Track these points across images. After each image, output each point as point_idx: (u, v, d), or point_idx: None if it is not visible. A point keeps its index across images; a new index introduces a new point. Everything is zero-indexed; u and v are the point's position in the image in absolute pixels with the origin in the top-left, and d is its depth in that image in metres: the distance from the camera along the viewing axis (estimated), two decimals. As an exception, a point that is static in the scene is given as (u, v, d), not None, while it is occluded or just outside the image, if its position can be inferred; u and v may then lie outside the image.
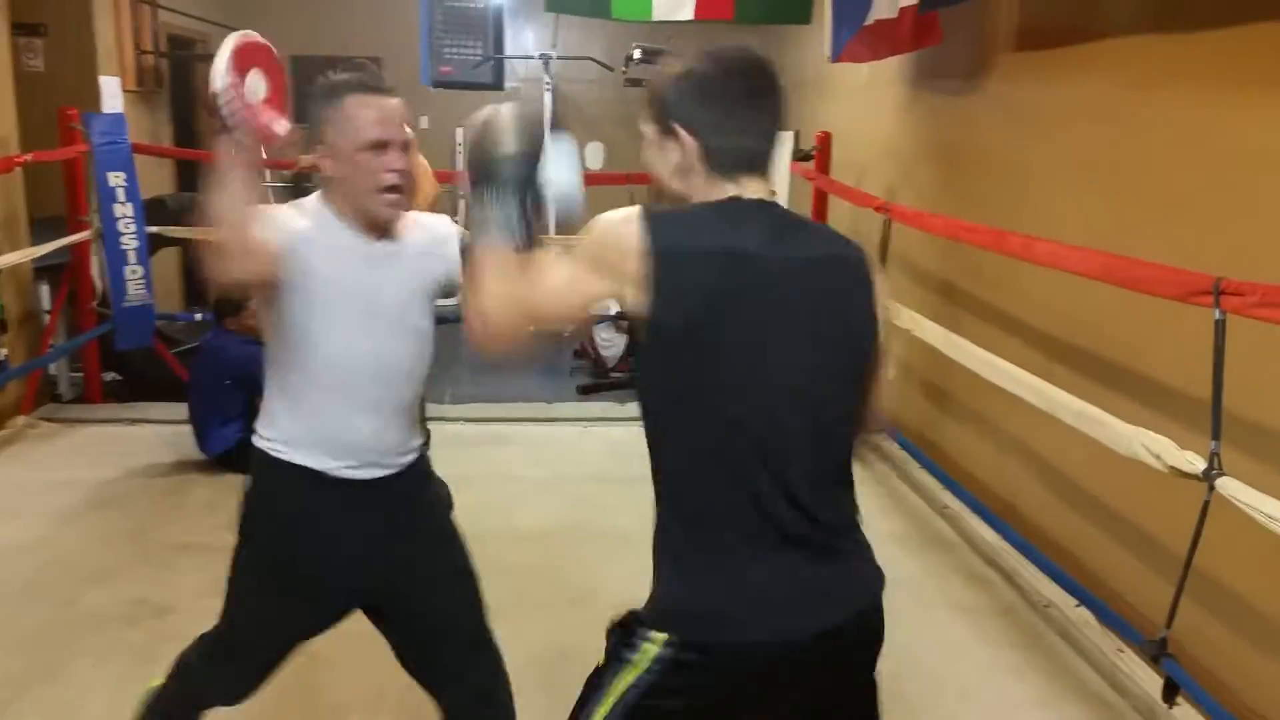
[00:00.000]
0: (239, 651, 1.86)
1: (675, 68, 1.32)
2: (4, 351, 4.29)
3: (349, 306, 1.69)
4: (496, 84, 8.24)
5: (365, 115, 1.67)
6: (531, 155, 1.38)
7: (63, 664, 2.59)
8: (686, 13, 4.72)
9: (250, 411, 3.91)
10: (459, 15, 8.03)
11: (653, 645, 1.28)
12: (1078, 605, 2.87)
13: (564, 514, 3.70)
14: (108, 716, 2.41)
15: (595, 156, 8.89)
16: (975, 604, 3.07)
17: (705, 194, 1.29)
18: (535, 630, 2.82)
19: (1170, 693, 2.24)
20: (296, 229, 1.69)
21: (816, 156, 4.75)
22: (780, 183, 4.52)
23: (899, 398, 4.36)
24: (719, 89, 1.28)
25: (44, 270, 4.69)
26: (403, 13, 8.06)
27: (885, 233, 3.89)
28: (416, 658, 1.89)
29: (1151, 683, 2.47)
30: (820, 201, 4.82)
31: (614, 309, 4.90)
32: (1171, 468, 2.17)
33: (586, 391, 5.50)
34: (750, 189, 1.29)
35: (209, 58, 6.21)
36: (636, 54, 5.63)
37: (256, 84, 1.80)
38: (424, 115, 8.60)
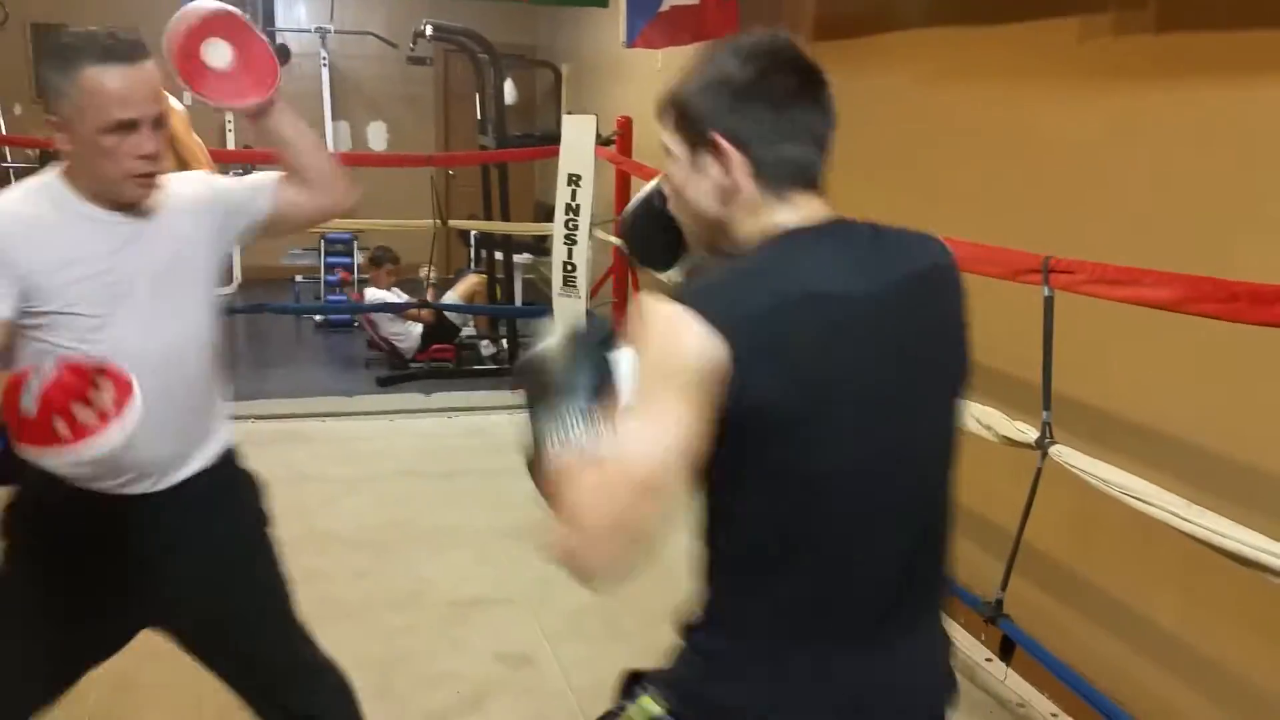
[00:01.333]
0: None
1: (699, 66, 1.10)
2: None
3: (99, 293, 1.48)
4: (269, 59, 7.79)
5: (108, 90, 1.41)
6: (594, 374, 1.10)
7: None
8: (481, -9, 4.65)
9: None
10: (224, -16, 7.50)
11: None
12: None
13: (377, 513, 3.59)
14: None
15: (378, 137, 8.62)
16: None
17: (753, 221, 1.06)
18: (352, 639, 2.73)
19: (1007, 651, 2.38)
20: (21, 220, 1.48)
21: (618, 141, 4.83)
22: (585, 166, 4.58)
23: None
24: (764, 87, 1.04)
25: None
26: (160, -19, 7.44)
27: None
28: (234, 687, 1.77)
29: (967, 641, 2.68)
30: (624, 184, 4.92)
31: (397, 299, 4.76)
32: (1004, 437, 2.26)
33: (386, 383, 5.34)
34: (809, 209, 1.06)
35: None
36: (428, 30, 5.48)
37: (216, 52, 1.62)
38: (188, 93, 7.99)
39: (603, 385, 1.08)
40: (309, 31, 7.93)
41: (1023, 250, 2.23)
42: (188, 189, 1.65)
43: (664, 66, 4.95)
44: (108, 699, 2.42)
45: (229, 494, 1.74)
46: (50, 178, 1.54)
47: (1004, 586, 2.37)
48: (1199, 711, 2.19)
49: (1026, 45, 2.61)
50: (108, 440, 1.25)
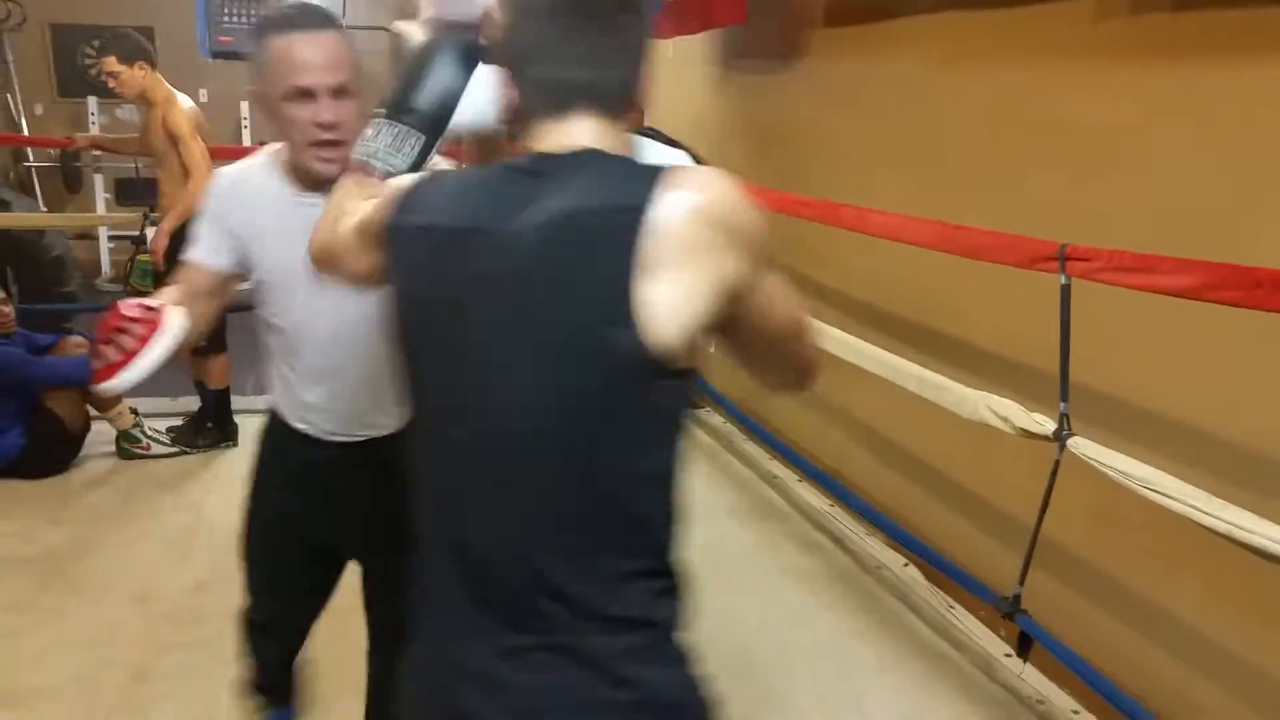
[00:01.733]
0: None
1: None
2: None
3: (289, 271, 1.53)
4: (283, 54, 7.80)
5: (288, 58, 1.47)
6: (447, 96, 1.20)
7: None
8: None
9: (30, 411, 3.57)
10: (240, -20, 7.52)
11: None
12: (906, 565, 3.04)
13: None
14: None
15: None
16: (810, 569, 3.20)
17: (527, 145, 1.01)
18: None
19: (1025, 647, 2.35)
20: (237, 184, 1.63)
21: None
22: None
23: (721, 371, 4.53)
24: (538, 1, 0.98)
25: None
26: (179, -23, 7.47)
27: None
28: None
29: (985, 636, 2.65)
30: (635, 177, 4.90)
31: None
32: (1021, 429, 2.21)
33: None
34: (553, 138, 0.98)
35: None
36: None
37: None
38: (203, 88, 8.02)
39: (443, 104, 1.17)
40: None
41: (1038, 238, 2.20)
42: None
43: (675, 57, 4.92)
44: (126, 689, 2.44)
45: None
46: (270, 152, 1.63)
47: (1022, 581, 2.34)
48: (1221, 706, 2.15)
49: (1041, 27, 2.56)
50: (122, 378, 1.33)
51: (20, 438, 3.59)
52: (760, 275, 0.94)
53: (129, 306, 1.34)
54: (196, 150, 3.73)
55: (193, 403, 4.09)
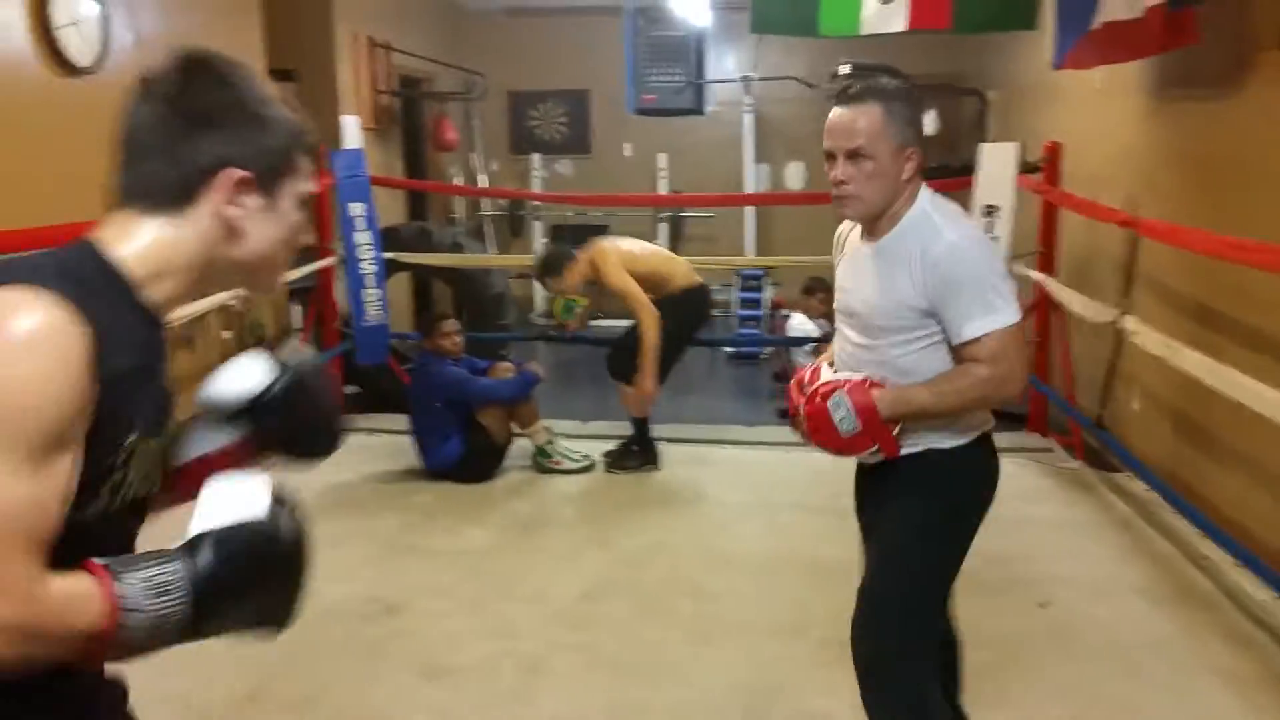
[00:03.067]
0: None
1: None
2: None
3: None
4: (697, 108, 8.35)
5: (828, 125, 1.85)
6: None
7: (308, 654, 2.78)
8: (899, 24, 4.57)
9: (468, 425, 4.14)
10: (662, 44, 8.20)
11: None
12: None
13: (766, 541, 3.64)
14: (346, 706, 2.58)
15: (796, 177, 8.85)
16: (1242, 671, 2.72)
17: None
18: (738, 658, 2.79)
19: None
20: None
21: (1045, 168, 4.50)
22: (1004, 196, 4.32)
23: (1146, 432, 4.04)
24: None
25: (295, 292, 5.14)
26: (609, 45, 8.31)
27: (1130, 250, 3.59)
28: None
29: None
30: (1049, 216, 4.56)
31: (819, 331, 4.81)
32: None
33: (787, 416, 5.41)
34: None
35: (436, 95, 6.61)
36: (844, 69, 5.54)
37: None
38: (627, 143, 8.83)
39: None
40: (734, 80, 8.39)
41: None
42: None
43: (1103, 86, 4.53)
44: (521, 678, 2.69)
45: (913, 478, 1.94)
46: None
47: None
48: None
49: None
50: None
51: (460, 446, 4.15)
52: None
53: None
54: (623, 285, 4.13)
55: (604, 427, 4.49)
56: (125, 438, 0.95)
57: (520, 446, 4.35)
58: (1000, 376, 1.76)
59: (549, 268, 4.35)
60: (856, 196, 1.80)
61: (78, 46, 3.53)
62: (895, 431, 1.83)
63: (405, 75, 7.18)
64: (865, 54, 6.14)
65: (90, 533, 0.92)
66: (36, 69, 3.40)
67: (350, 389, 5.46)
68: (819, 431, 1.88)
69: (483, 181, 8.70)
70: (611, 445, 4.40)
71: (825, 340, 5.75)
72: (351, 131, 6.04)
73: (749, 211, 8.28)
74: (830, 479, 4.23)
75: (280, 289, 4.80)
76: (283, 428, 1.14)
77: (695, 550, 3.51)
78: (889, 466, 1.91)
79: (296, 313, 5.27)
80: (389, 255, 5.08)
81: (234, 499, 0.99)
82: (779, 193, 8.61)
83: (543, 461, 4.30)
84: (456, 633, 2.91)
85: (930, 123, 6.46)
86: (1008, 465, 4.69)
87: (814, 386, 1.90)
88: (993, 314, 1.74)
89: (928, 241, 1.78)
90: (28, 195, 3.28)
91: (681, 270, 4.41)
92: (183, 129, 0.99)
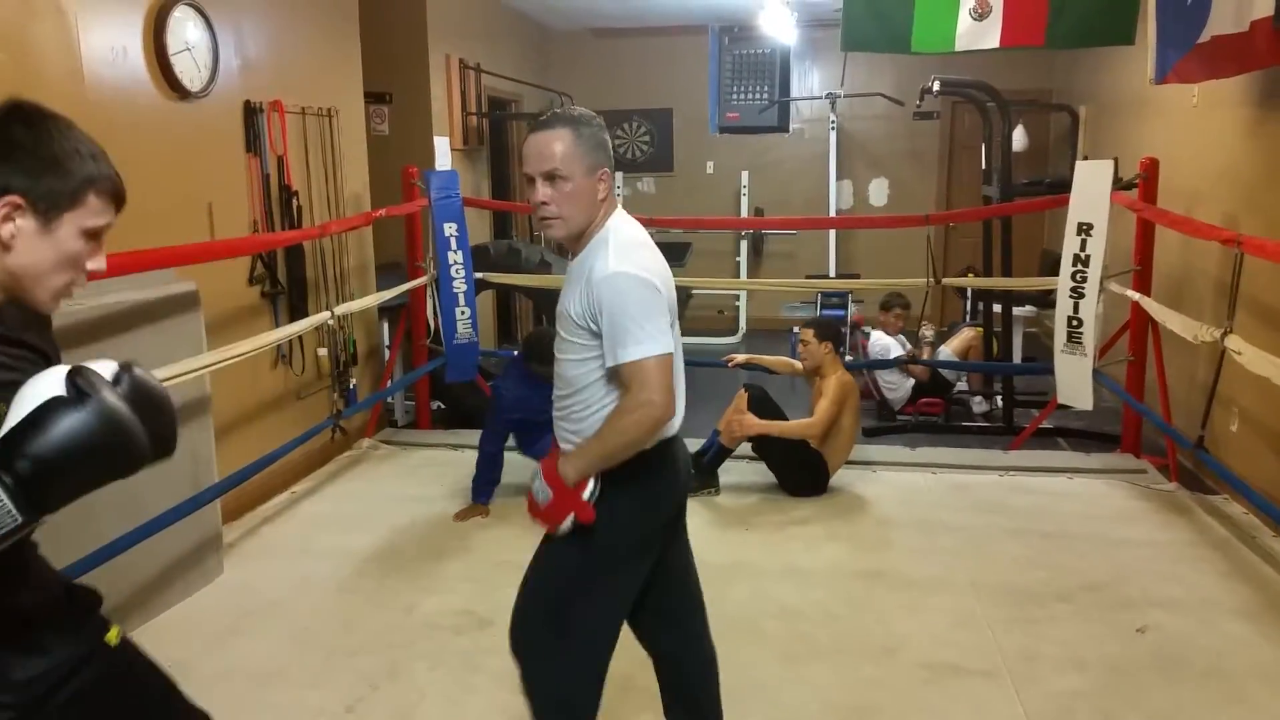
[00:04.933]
0: None
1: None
2: (354, 382, 4.88)
3: None
4: (781, 126, 8.35)
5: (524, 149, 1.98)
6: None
7: (404, 665, 2.87)
8: (992, 40, 4.52)
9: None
10: (747, 62, 8.23)
11: None
12: None
13: (853, 559, 3.61)
14: (441, 717, 2.64)
15: (879, 193, 8.79)
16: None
17: None
18: (830, 679, 2.78)
19: None
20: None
21: (1141, 185, 4.39)
22: (1099, 214, 4.23)
23: (1246, 453, 3.91)
24: None
25: (384, 310, 5.29)
26: (693, 64, 8.37)
27: (1234, 268, 3.48)
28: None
29: None
30: (1146, 233, 4.45)
31: (901, 349, 4.79)
32: None
33: (872, 434, 5.38)
34: None
35: (523, 116, 6.75)
36: (935, 86, 5.49)
37: None
38: (710, 160, 8.88)
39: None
40: (819, 98, 8.37)
41: None
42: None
43: (1200, 101, 4.42)
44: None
45: None
46: None
47: None
48: None
49: None
50: None
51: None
52: None
53: None
54: (830, 412, 4.16)
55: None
56: None
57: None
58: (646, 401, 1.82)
59: None
60: (559, 217, 1.89)
61: (189, 71, 3.71)
62: (586, 494, 1.87)
63: (494, 96, 7.35)
64: (954, 69, 6.08)
65: None
66: (152, 93, 3.57)
67: (436, 405, 5.59)
68: (530, 505, 1.97)
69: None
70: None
71: (910, 361, 5.71)
72: (443, 151, 6.21)
73: (831, 230, 8.26)
74: (921, 497, 4.23)
75: (371, 307, 4.95)
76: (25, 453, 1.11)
77: (778, 569, 3.51)
78: None
79: (384, 330, 5.42)
80: (478, 274, 5.20)
81: (27, 397, 1.11)
82: (860, 216, 8.58)
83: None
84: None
85: (1019, 139, 6.35)
86: (1101, 487, 4.62)
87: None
88: (639, 344, 1.80)
89: (597, 265, 1.86)
90: (142, 215, 3.44)
91: None
92: None
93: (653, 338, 1.81)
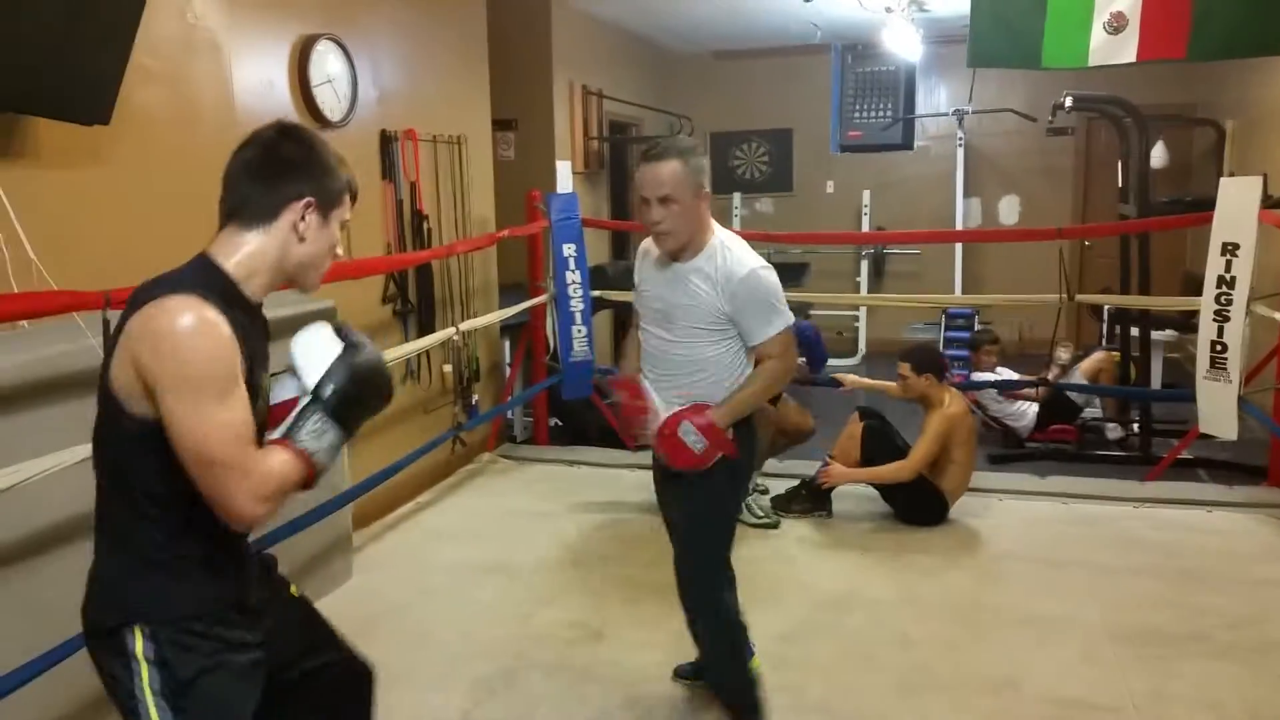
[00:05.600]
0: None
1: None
2: (476, 397, 5.03)
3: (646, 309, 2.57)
4: (906, 144, 8.23)
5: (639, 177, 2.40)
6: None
7: (520, 674, 2.94)
8: (1129, 55, 4.34)
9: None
10: (870, 80, 8.15)
11: None
12: None
13: (974, 591, 3.51)
14: (554, 727, 2.70)
15: (1010, 211, 8.52)
16: None
17: None
18: (948, 711, 2.71)
19: None
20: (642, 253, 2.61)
21: (1291, 203, 4.15)
22: (1245, 233, 4.01)
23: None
24: None
25: (506, 328, 5.45)
26: (814, 84, 8.33)
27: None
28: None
29: None
30: (1295, 255, 4.20)
31: (1010, 375, 4.56)
32: None
33: (999, 461, 5.21)
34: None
35: (642, 139, 6.82)
36: (1068, 102, 5.32)
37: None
38: (830, 180, 8.80)
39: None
40: (946, 115, 8.20)
41: None
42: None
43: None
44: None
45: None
46: None
47: None
48: None
49: None
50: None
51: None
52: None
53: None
54: (927, 451, 4.04)
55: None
56: (257, 378, 1.46)
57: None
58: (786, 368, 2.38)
59: None
60: (670, 233, 2.31)
61: (330, 102, 3.93)
62: (730, 436, 2.36)
63: (614, 120, 7.49)
64: (1088, 84, 5.87)
65: (259, 430, 1.46)
66: (297, 123, 3.81)
67: (553, 421, 5.71)
68: (680, 457, 2.35)
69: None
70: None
71: (1018, 385, 5.50)
72: (564, 175, 6.37)
73: (958, 247, 8.04)
74: (1049, 528, 4.07)
75: (493, 326, 5.11)
76: (339, 388, 1.49)
77: (897, 597, 3.44)
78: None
79: (505, 348, 5.58)
80: (595, 294, 5.30)
81: (319, 348, 1.49)
82: (989, 229, 8.30)
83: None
84: (657, 664, 2.98)
85: (1158, 155, 6.08)
86: (1245, 522, 4.37)
87: (658, 425, 2.36)
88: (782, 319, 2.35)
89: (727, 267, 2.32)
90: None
91: None
92: (280, 169, 1.49)
93: (786, 314, 2.35)
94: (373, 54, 4.25)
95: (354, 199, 1.57)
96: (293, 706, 1.70)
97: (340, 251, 1.59)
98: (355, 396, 1.47)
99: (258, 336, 1.49)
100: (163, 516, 1.43)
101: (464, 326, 4.57)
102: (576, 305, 5.12)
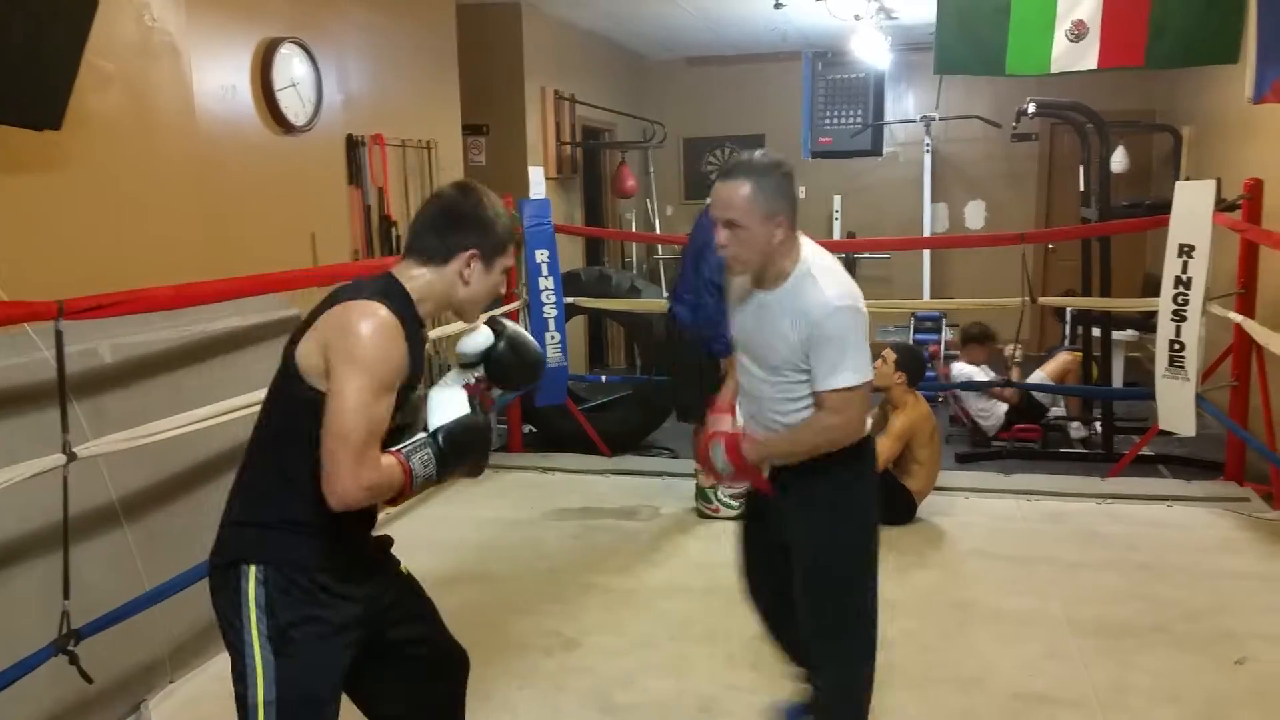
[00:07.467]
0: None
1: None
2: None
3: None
4: (875, 150, 8.29)
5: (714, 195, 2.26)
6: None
7: (494, 684, 2.94)
8: (1089, 62, 4.44)
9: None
10: (840, 87, 8.21)
11: None
12: None
13: (941, 588, 3.57)
14: (530, 733, 2.71)
15: (975, 216, 8.64)
16: None
17: None
18: (918, 711, 2.76)
19: None
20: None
21: (1245, 206, 4.25)
22: (1200, 235, 4.10)
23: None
24: None
25: (479, 335, 5.44)
26: (785, 90, 8.39)
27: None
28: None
29: None
30: (1249, 255, 4.29)
31: (985, 376, 4.69)
32: None
33: (965, 460, 5.28)
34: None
35: (615, 145, 6.81)
36: (1030, 108, 5.41)
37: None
38: (801, 185, 8.87)
39: None
40: (914, 121, 8.30)
41: None
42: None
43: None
44: (694, 716, 2.74)
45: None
46: None
47: None
48: None
49: None
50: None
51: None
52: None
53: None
54: (890, 449, 4.06)
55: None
56: (407, 389, 1.69)
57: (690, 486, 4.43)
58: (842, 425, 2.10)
59: None
60: (735, 259, 2.11)
61: (294, 106, 3.92)
62: (765, 472, 2.23)
63: (587, 125, 7.51)
64: (1051, 90, 5.97)
65: (386, 434, 1.66)
66: (259, 127, 3.78)
67: (527, 428, 5.71)
68: (707, 467, 2.29)
69: (657, 226, 8.94)
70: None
71: (1000, 384, 5.59)
72: (536, 181, 6.38)
73: (926, 252, 8.15)
74: (1015, 525, 4.14)
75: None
76: (504, 369, 1.86)
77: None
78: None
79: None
80: (568, 300, 5.31)
81: (448, 405, 1.76)
82: (955, 234, 8.43)
83: (701, 506, 4.34)
84: (632, 670, 3.00)
85: (1119, 160, 6.19)
86: (1203, 515, 4.46)
87: (706, 430, 2.29)
88: (855, 373, 2.05)
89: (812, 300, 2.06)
90: (248, 243, 3.63)
91: None
92: (453, 223, 1.76)
93: (862, 369, 2.06)
94: (339, 58, 4.25)
95: (519, 248, 1.72)
96: (388, 671, 1.90)
97: (501, 292, 1.87)
98: (459, 452, 1.74)
99: (419, 348, 1.75)
100: (302, 481, 1.62)
101: (434, 334, 4.57)
102: (550, 311, 5.14)
